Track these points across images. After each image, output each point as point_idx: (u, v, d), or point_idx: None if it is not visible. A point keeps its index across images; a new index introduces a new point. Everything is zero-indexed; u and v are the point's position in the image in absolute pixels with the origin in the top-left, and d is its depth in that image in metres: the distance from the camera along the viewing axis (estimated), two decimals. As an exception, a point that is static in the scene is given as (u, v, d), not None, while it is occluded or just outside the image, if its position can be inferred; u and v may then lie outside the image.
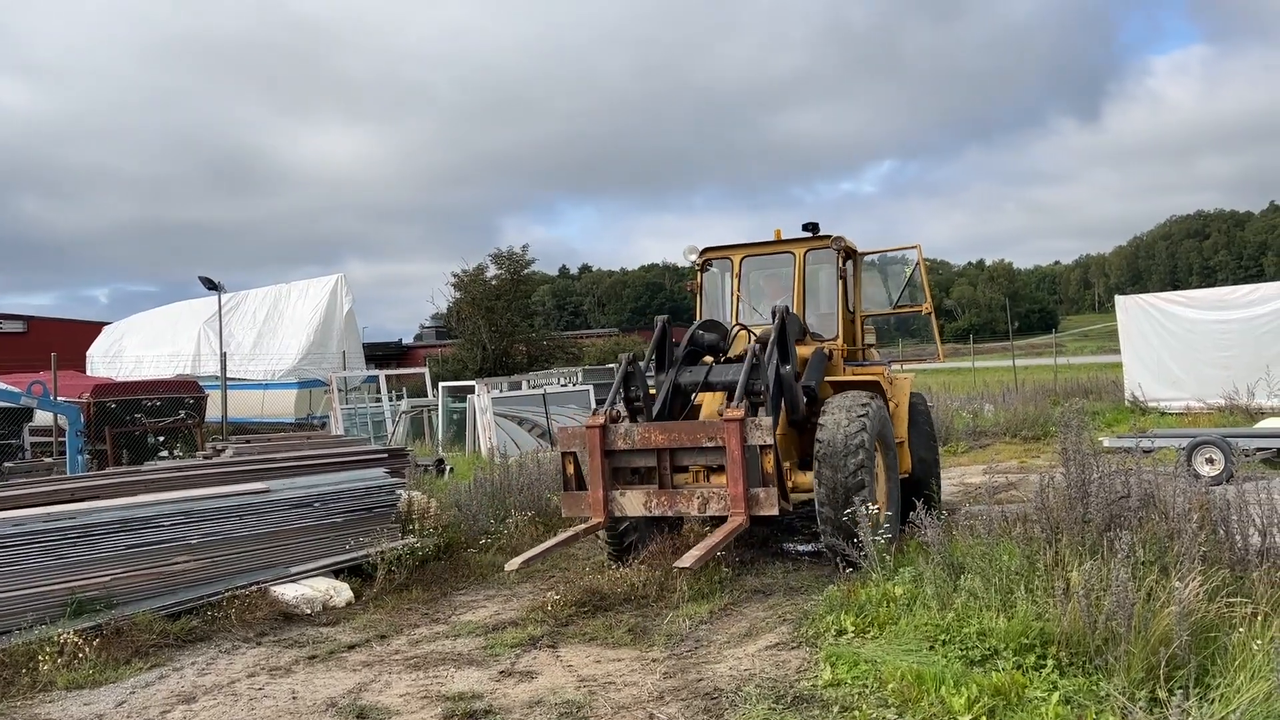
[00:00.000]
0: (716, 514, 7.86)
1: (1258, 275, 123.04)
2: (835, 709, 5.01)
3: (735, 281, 10.42)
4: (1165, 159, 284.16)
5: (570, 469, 8.19)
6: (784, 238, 10.36)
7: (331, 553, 8.41)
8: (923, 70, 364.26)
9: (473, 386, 18.98)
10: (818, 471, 8.16)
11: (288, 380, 24.21)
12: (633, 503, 7.98)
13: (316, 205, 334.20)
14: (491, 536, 9.65)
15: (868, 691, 5.21)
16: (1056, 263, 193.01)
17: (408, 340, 48.79)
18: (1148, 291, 25.97)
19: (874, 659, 5.55)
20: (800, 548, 9.37)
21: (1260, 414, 18.56)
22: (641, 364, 9.02)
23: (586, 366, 23.15)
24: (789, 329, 8.92)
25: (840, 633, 6.17)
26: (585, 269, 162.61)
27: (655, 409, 8.66)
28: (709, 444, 7.78)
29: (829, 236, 10.10)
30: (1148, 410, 22.53)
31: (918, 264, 10.70)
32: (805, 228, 10.34)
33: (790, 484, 8.57)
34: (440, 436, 19.36)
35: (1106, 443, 15.62)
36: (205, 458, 10.83)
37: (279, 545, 8.17)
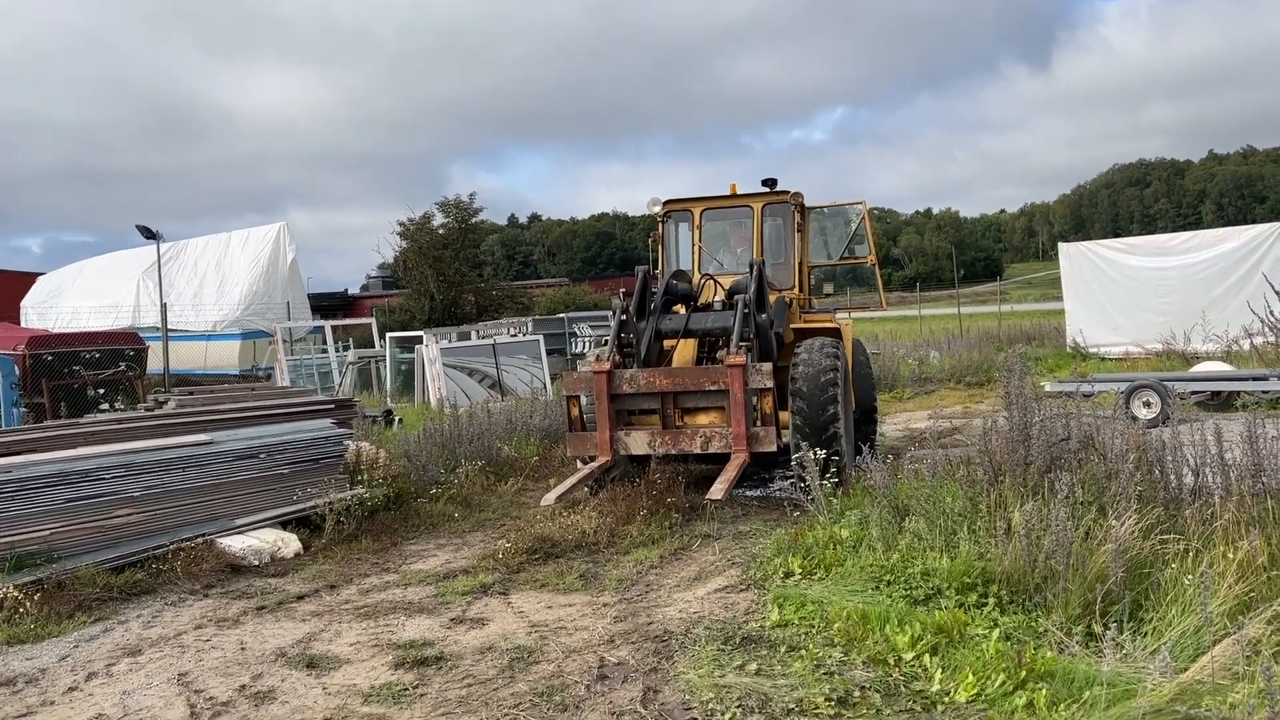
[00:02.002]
0: (718, 451, 8.37)
1: (1196, 223, 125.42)
2: (783, 649, 5.09)
3: (696, 233, 10.85)
4: (1112, 107, 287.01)
5: (575, 411, 8.66)
6: (743, 192, 10.80)
7: (278, 504, 8.33)
8: (875, 16, 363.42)
9: (421, 337, 18.80)
10: (795, 410, 8.68)
11: (231, 331, 23.79)
12: (637, 442, 8.51)
13: (257, 153, 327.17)
14: (441, 486, 9.62)
15: (814, 631, 5.30)
16: (1002, 211, 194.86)
17: (354, 291, 48.18)
18: (1090, 239, 26.32)
19: (820, 600, 5.65)
20: (749, 493, 9.51)
21: (1196, 358, 19.02)
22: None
23: (537, 316, 23.06)
24: (764, 281, 9.36)
25: (788, 575, 6.26)
26: (535, 218, 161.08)
27: (641, 354, 9.13)
28: (712, 387, 8.38)
29: (786, 192, 10.57)
30: (1089, 355, 22.97)
31: (863, 218, 11.26)
32: (764, 183, 10.74)
33: None
34: (388, 387, 19.19)
35: (1048, 387, 15.94)
36: (147, 410, 10.62)
37: (224, 497, 8.08)
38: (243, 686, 5.08)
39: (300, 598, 6.74)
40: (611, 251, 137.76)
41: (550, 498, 7.99)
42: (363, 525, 8.41)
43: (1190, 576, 4.78)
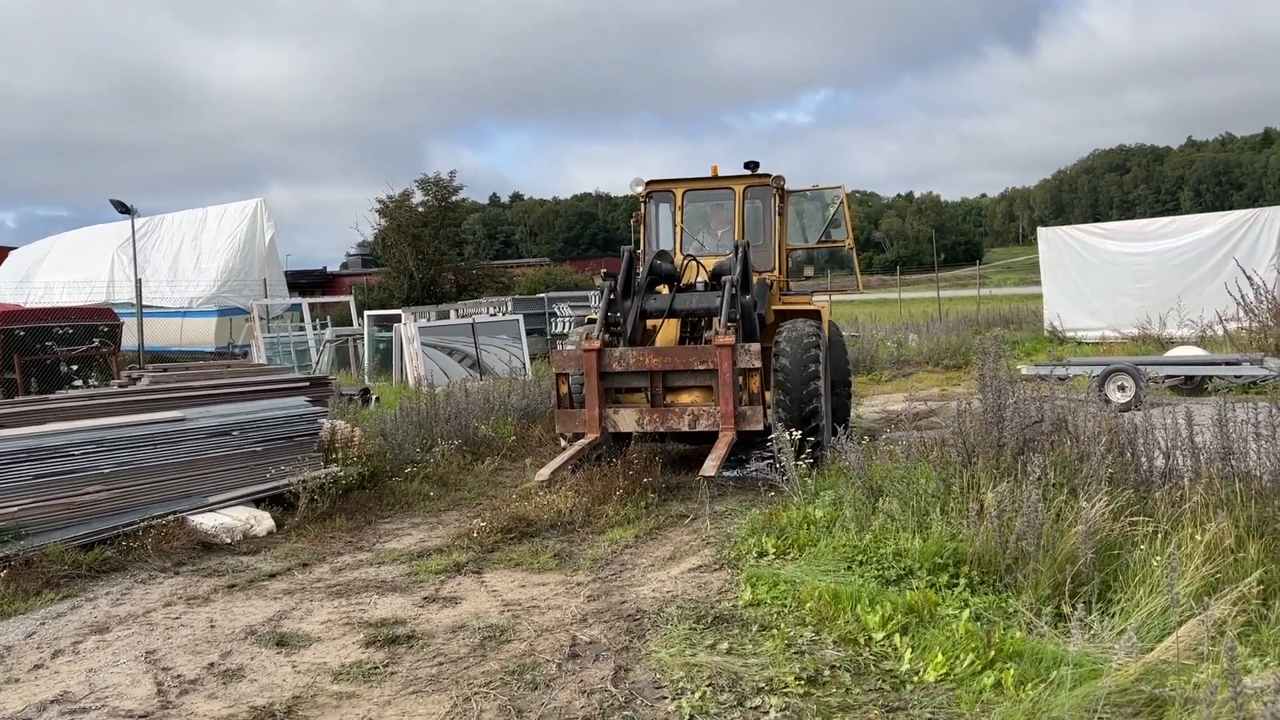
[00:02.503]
0: (706, 429, 8.50)
1: (1174, 209, 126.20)
2: (754, 628, 5.10)
3: (679, 214, 10.99)
4: (1094, 92, 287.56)
5: (564, 388, 8.77)
6: (725, 174, 10.96)
7: (251, 482, 8.27)
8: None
9: (399, 316, 18.70)
10: (777, 390, 8.85)
11: (207, 308, 23.56)
12: (626, 420, 8.60)
13: (235, 127, 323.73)
14: (417, 465, 9.58)
15: (786, 611, 5.31)
16: (983, 195, 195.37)
17: (333, 269, 47.88)
18: (1070, 224, 26.45)
19: (793, 579, 5.66)
20: (726, 473, 9.52)
21: (1171, 343, 19.16)
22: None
23: (516, 296, 22.95)
24: (749, 262, 9.55)
25: (761, 554, 6.27)
26: (516, 197, 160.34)
27: (627, 333, 9.27)
28: (701, 367, 8.55)
29: (768, 175, 10.76)
30: (1065, 339, 23.11)
31: (842, 202, 11.40)
32: (746, 165, 10.93)
33: None
34: (366, 366, 19.09)
35: (1024, 370, 16.01)
36: (120, 386, 10.51)
37: (196, 474, 8.01)
38: (211, 664, 5.05)
39: (272, 576, 6.70)
40: (594, 232, 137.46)
41: (545, 473, 8.03)
42: (337, 504, 8.37)
43: (1159, 558, 4.81)
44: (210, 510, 7.84)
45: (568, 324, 20.56)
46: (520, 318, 19.04)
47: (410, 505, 8.71)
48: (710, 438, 8.69)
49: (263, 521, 7.83)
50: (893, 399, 15.78)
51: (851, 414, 11.95)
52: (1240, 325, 19.66)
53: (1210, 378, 14.08)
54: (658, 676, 4.58)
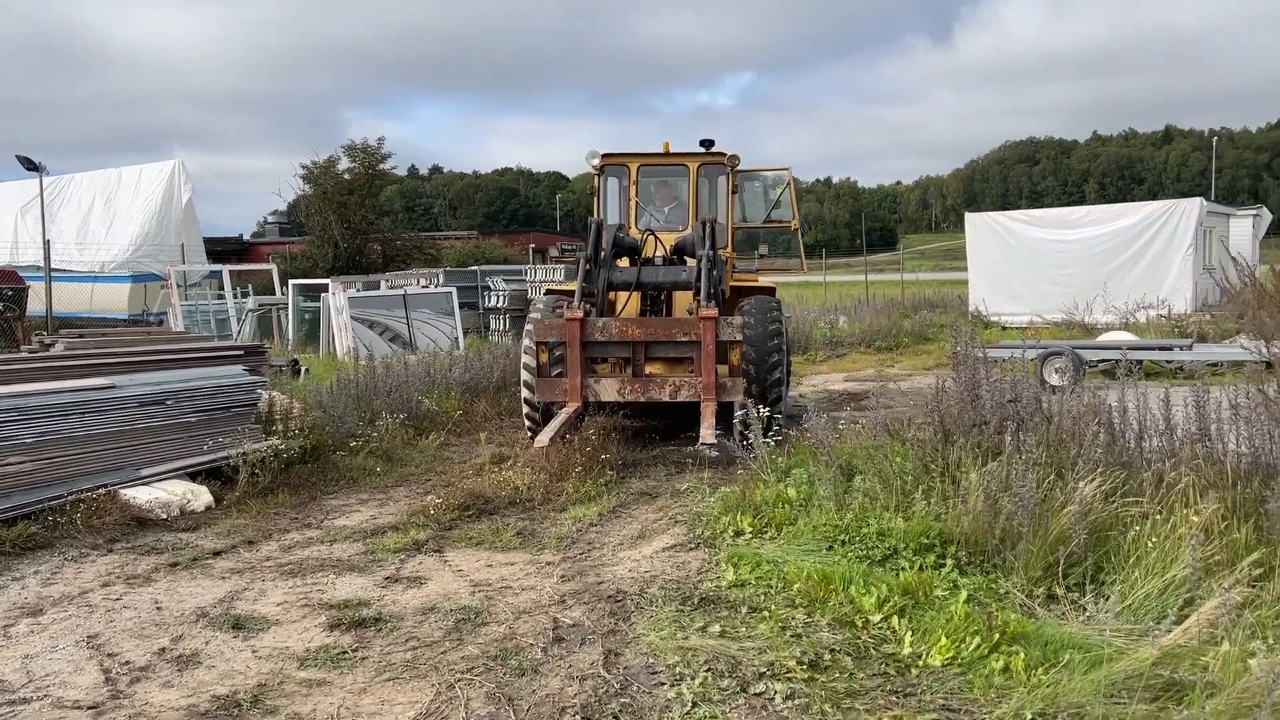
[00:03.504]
0: (686, 400, 8.61)
1: (1079, 200, 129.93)
2: (744, 609, 4.91)
3: (633, 188, 11.05)
4: (1007, 84, 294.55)
5: (544, 358, 8.77)
6: (680, 151, 11.12)
7: (187, 454, 7.81)
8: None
9: (326, 285, 18.07)
10: (743, 363, 8.93)
11: (120, 273, 22.44)
12: (607, 389, 8.67)
13: (142, 89, 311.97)
14: (360, 440, 9.17)
15: (773, 592, 5.13)
16: (898, 183, 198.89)
17: (246, 237, 46.36)
18: (982, 213, 26.90)
19: (775, 559, 5.49)
20: (685, 449, 9.38)
21: (1096, 329, 19.57)
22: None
23: (448, 268, 22.37)
24: (716, 238, 9.67)
25: (738, 534, 6.08)
26: (436, 170, 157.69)
27: (601, 305, 9.44)
28: (683, 338, 8.64)
29: (723, 154, 10.96)
30: (990, 324, 23.50)
31: (788, 184, 11.61)
32: (701, 143, 11.11)
33: None
34: (290, 337, 18.42)
35: (963, 353, 16.17)
36: (31, 353, 9.86)
37: (127, 446, 7.52)
38: (162, 650, 4.67)
39: (216, 554, 6.30)
40: (515, 207, 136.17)
41: (544, 438, 7.94)
42: (278, 478, 7.94)
43: (1154, 539, 4.75)
44: (143, 484, 7.36)
45: (502, 298, 20.12)
46: (453, 290, 18.55)
47: (356, 481, 8.33)
48: (685, 409, 9.04)
49: (200, 496, 7.38)
50: (831, 379, 15.79)
51: (793, 392, 12.04)
52: (1159, 313, 20.23)
53: (1140, 361, 14.40)
54: (651, 661, 4.36)
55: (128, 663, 4.53)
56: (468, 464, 8.92)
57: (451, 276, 20.49)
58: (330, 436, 9.04)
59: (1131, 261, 22.72)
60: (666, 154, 11.21)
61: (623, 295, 10.09)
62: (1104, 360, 13.81)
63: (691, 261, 10.62)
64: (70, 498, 6.85)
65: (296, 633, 4.90)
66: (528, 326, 9.54)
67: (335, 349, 16.94)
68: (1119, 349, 14.54)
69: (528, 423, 9.57)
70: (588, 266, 9.20)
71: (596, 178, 11.21)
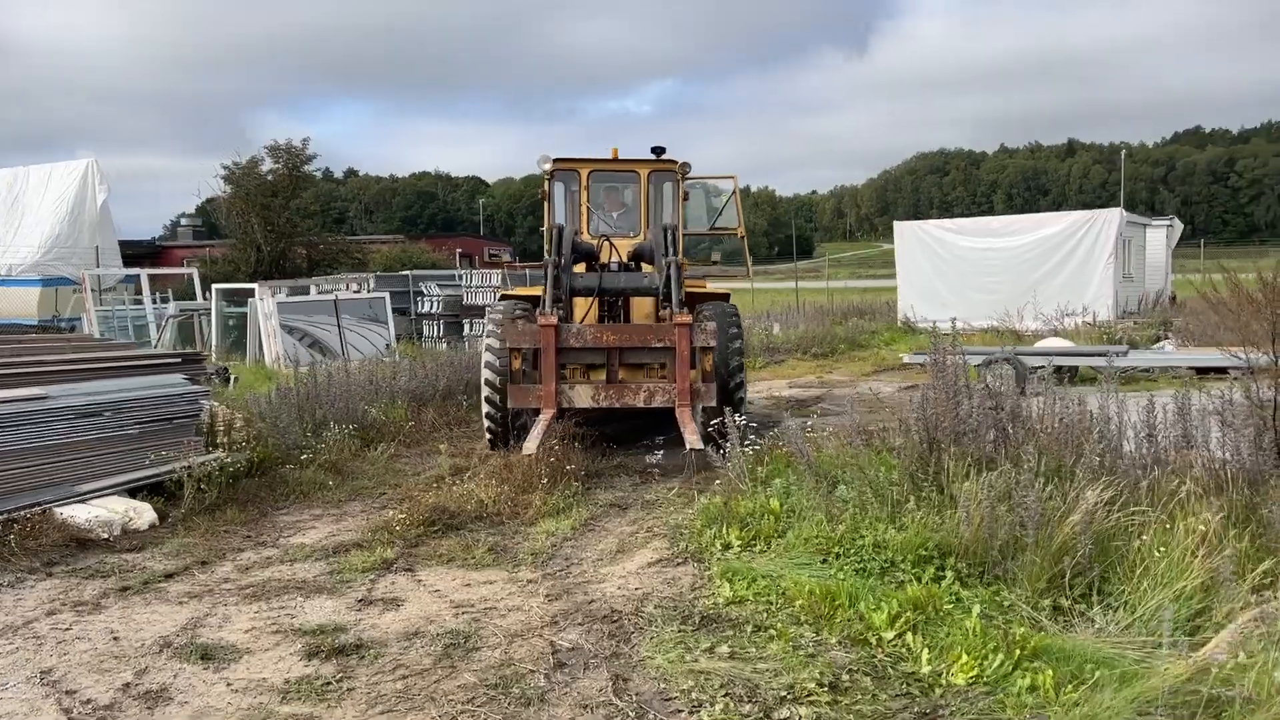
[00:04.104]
0: (660, 406, 8.55)
1: (988, 211, 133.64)
2: (748, 628, 4.72)
3: (584, 194, 10.96)
4: (919, 96, 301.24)
5: (517, 364, 8.56)
6: (630, 157, 11.08)
7: (127, 469, 7.33)
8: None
9: (253, 290, 17.44)
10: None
11: (29, 277, 21.32)
12: (582, 395, 8.50)
13: (35, 86, 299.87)
14: (307, 452, 8.75)
15: (775, 609, 4.96)
16: (814, 192, 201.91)
17: (158, 240, 44.72)
18: (895, 222, 27.36)
19: (770, 574, 5.32)
20: (648, 458, 9.23)
21: (1026, 335, 19.93)
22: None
23: (379, 273, 21.78)
24: (678, 245, 9.72)
25: (726, 547, 5.89)
26: (351, 173, 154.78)
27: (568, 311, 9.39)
28: (658, 344, 8.56)
29: (674, 161, 10.94)
30: (919, 331, 23.81)
31: (734, 192, 11.60)
32: (653, 150, 11.08)
33: None
34: (215, 344, 17.70)
35: (906, 359, 16.30)
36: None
37: (63, 461, 7.03)
38: (126, 685, 4.29)
39: (168, 576, 5.88)
40: (433, 211, 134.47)
41: (531, 445, 7.72)
42: (225, 493, 7.50)
43: (1162, 549, 4.70)
44: (80, 501, 6.88)
45: (437, 304, 19.66)
46: (386, 296, 18.04)
47: (307, 495, 7.92)
48: (646, 415, 9.25)
49: (144, 514, 6.92)
50: (775, 385, 15.75)
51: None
52: (1083, 320, 20.72)
53: (1077, 369, 14.68)
54: (663, 686, 4.14)
55: (89, 701, 4.15)
56: (423, 476, 8.58)
57: (383, 281, 19.96)
58: (275, 449, 8.61)
59: (1056, 270, 23.24)
60: (618, 160, 11.15)
61: (579, 301, 9.95)
62: (1039, 367, 13.99)
63: (648, 267, 10.55)
64: (1, 518, 6.35)
65: (271, 662, 4.56)
66: (490, 330, 9.28)
67: (264, 356, 16.34)
68: (1057, 355, 14.84)
69: (488, 432, 9.29)
70: (555, 272, 9.02)
71: (547, 182, 11.05)
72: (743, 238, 11.95)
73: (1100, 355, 14.65)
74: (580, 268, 9.95)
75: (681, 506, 7.28)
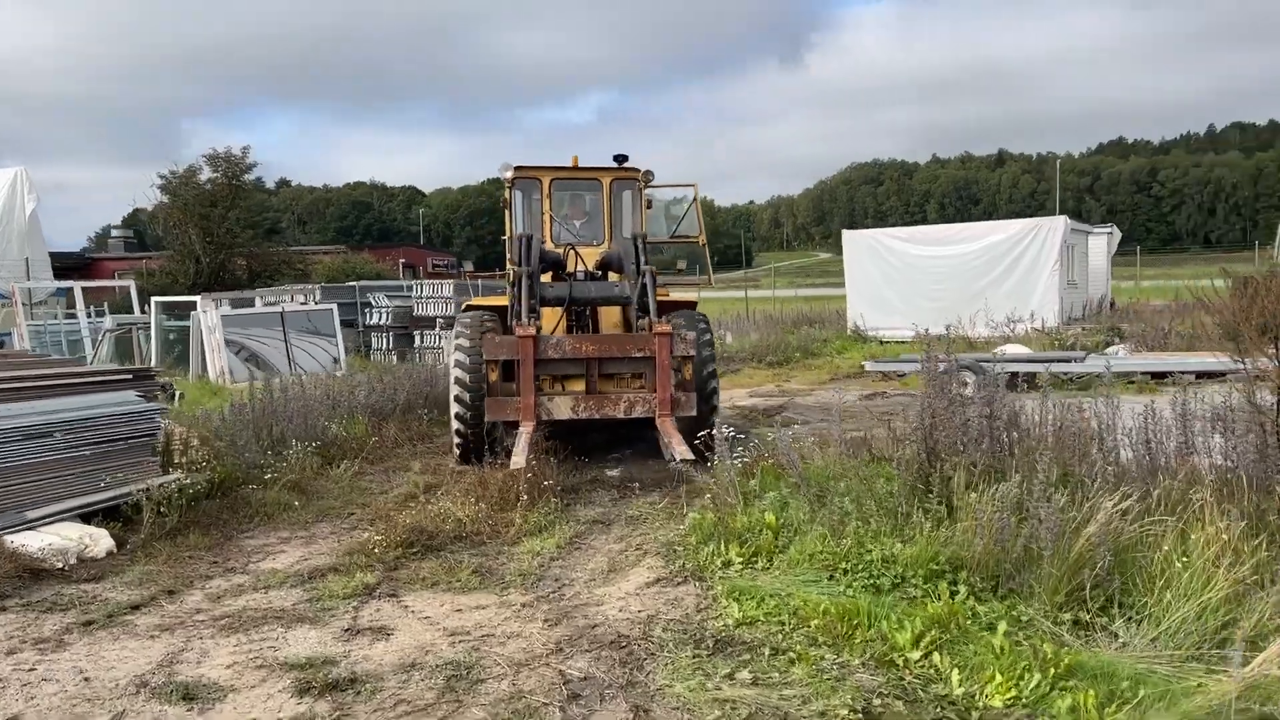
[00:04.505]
0: (641, 416, 8.50)
1: (921, 220, 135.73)
2: (765, 651, 4.51)
3: (546, 202, 10.81)
4: (853, 108, 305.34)
5: (494, 376, 8.48)
6: (593, 165, 11.01)
7: (80, 492, 6.90)
8: (647, 1, 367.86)
9: (195, 303, 16.85)
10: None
11: (-47, 290, 20.41)
12: (561, 407, 8.40)
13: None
14: (269, 471, 8.36)
15: (789, 630, 4.76)
16: (751, 202, 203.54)
17: (86, 252, 43.28)
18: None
19: (777, 593, 5.13)
20: (610, 472, 9.06)
21: (978, 343, 20.08)
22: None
23: (325, 284, 21.22)
24: (646, 253, 9.61)
25: (727, 564, 5.69)
26: (284, 183, 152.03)
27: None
28: (638, 354, 8.49)
29: (636, 169, 10.95)
30: (868, 339, 23.93)
31: (694, 201, 11.61)
32: (615, 158, 11.05)
33: None
34: (155, 359, 17.06)
35: (868, 365, 16.29)
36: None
37: (11, 485, 6.58)
38: (104, 731, 3.95)
39: (134, 608, 5.50)
40: (369, 222, 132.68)
41: (520, 460, 7.53)
42: (185, 516, 7.11)
43: (1185, 559, 4.60)
44: (29, 528, 6.45)
45: (386, 315, 19.20)
46: (334, 308, 17.55)
47: (272, 517, 7.54)
48: (627, 425, 9.30)
49: (100, 541, 6.51)
50: (735, 394, 15.60)
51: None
52: (1032, 326, 20.95)
53: (1035, 375, 14.75)
54: (686, 717, 3.92)
55: (64, 750, 3.80)
56: (391, 494, 8.26)
57: (329, 293, 19.44)
58: (235, 468, 8.21)
59: (1002, 277, 23.47)
60: (580, 168, 11.02)
61: (547, 311, 9.77)
62: (1008, 373, 14.04)
63: (614, 276, 10.38)
64: (-54, 548, 5.92)
65: (260, 701, 4.24)
66: (460, 342, 9.00)
67: (208, 371, 15.79)
68: (1017, 362, 14.93)
69: (458, 447, 9.01)
70: (529, 281, 8.90)
71: (508, 190, 10.89)
72: (704, 246, 11.99)
73: (1064, 360, 14.80)
74: (546, 277, 9.74)
75: (666, 522, 7.07)
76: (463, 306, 10.42)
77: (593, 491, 8.32)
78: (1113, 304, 27.87)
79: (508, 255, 11.11)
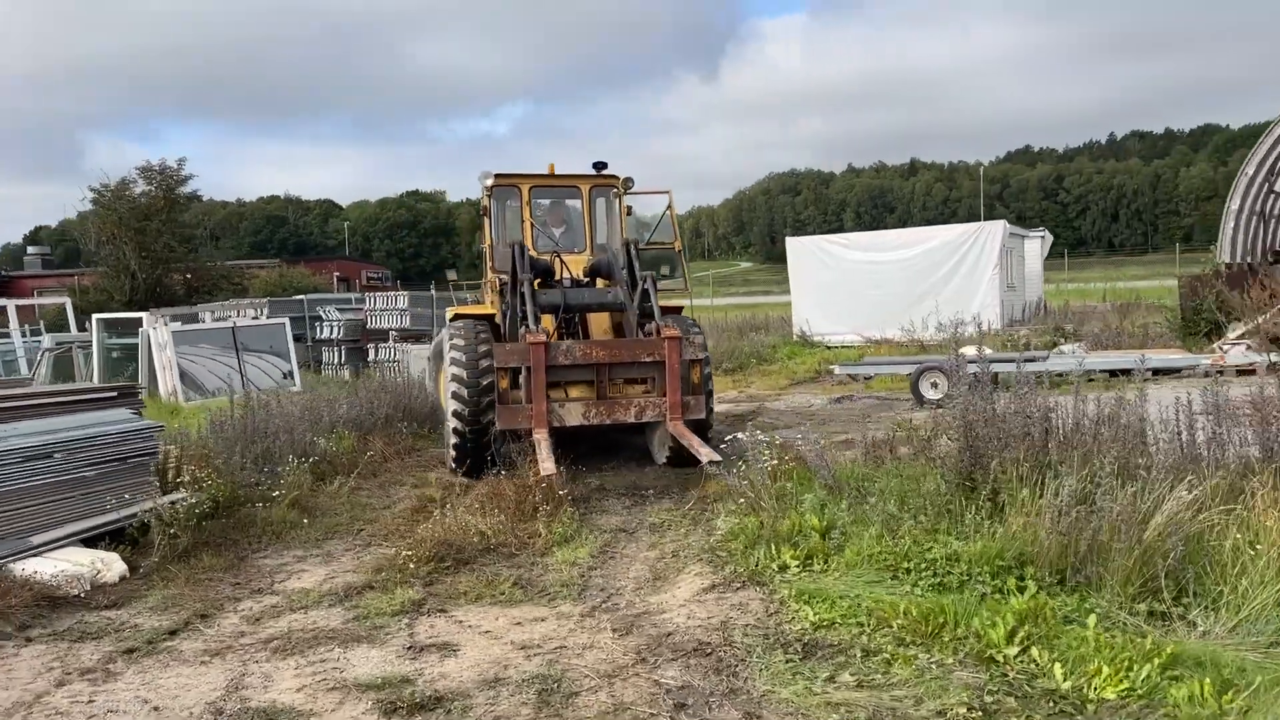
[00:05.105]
0: (651, 420, 8.56)
1: (839, 228, 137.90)
2: (857, 653, 4.47)
3: (526, 209, 10.71)
4: (770, 118, 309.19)
5: (504, 384, 8.35)
6: (572, 172, 10.99)
7: (83, 515, 6.57)
8: (562, 14, 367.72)
9: (136, 319, 16.27)
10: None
11: None
12: (572, 414, 8.33)
13: None
14: (266, 488, 8.07)
15: (870, 630, 4.72)
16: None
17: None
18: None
19: (846, 594, 5.10)
20: (613, 479, 8.96)
21: (930, 346, 20.40)
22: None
23: (273, 298, 20.61)
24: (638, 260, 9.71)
25: (783, 568, 5.63)
26: (195, 197, 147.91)
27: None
28: (648, 359, 8.44)
29: (615, 176, 10.96)
30: (815, 344, 24.17)
31: (669, 207, 11.49)
32: (594, 165, 11.04)
33: None
34: (97, 378, 16.40)
35: (837, 370, 16.43)
36: None
37: (11, 510, 6.23)
38: (192, 763, 3.73)
39: (172, 633, 5.24)
40: (284, 236, 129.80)
41: (550, 466, 7.46)
42: (193, 537, 6.80)
43: (1260, 546, 4.68)
44: (34, 554, 6.11)
45: (337, 328, 18.76)
46: (286, 322, 17.08)
47: (280, 535, 7.26)
48: (619, 430, 9.34)
49: (113, 565, 6.19)
50: (703, 402, 15.56)
51: None
52: (978, 328, 21.35)
53: (998, 374, 15.04)
54: (804, 722, 3.85)
55: (157, 785, 3.58)
56: (395, 509, 8.05)
57: (277, 307, 18.92)
58: (237, 487, 7.89)
59: (944, 281, 23.90)
60: (560, 175, 11.00)
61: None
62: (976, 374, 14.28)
63: (601, 283, 10.31)
64: (-47, 578, 5.57)
65: (347, 725, 4.05)
66: (455, 353, 8.81)
67: (159, 390, 15.24)
68: (995, 361, 15.16)
69: (454, 459, 8.83)
70: (530, 289, 8.82)
71: (487, 198, 10.80)
72: (679, 251, 12.01)
73: (1030, 360, 15.06)
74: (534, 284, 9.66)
75: (692, 528, 7.01)
76: (450, 315, 10.21)
77: (603, 500, 8.21)
78: (1045, 306, 28.64)
79: (489, 264, 10.98)
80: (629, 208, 11.49)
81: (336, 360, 18.67)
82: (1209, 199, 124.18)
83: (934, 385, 13.63)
